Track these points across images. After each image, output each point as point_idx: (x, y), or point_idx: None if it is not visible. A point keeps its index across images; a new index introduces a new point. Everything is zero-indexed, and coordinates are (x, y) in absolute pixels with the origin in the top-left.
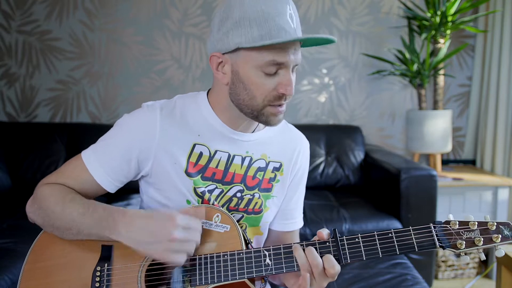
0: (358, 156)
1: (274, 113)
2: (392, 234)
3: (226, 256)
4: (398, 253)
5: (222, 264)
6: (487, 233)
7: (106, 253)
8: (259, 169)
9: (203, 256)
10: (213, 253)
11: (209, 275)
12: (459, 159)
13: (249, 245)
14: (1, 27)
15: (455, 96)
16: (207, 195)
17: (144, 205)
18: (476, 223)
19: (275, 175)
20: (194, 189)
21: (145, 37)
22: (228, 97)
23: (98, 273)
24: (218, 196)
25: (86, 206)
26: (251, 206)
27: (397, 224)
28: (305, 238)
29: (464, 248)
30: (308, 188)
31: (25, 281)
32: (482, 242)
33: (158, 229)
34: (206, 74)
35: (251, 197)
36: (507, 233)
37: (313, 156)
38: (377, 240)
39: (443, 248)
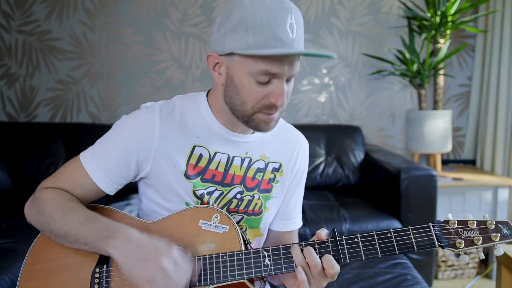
0: (358, 156)
1: (264, 120)
2: (391, 234)
3: (225, 257)
4: (397, 252)
5: (221, 265)
6: (486, 232)
7: (105, 255)
8: (259, 170)
9: (202, 257)
10: (212, 254)
11: (208, 276)
12: (459, 159)
13: (248, 245)
14: (1, 27)
15: (455, 96)
16: (206, 198)
17: (143, 206)
18: (475, 222)
19: (275, 176)
20: (193, 191)
21: (145, 37)
22: (223, 98)
23: (97, 275)
24: (217, 198)
25: (87, 217)
26: (251, 207)
27: (397, 224)
28: (305, 238)
29: (463, 247)
30: (308, 188)
31: (23, 283)
32: (481, 241)
33: (143, 263)
34: (206, 74)
35: (251, 198)
36: (506, 232)
37: (313, 156)
38: (376, 240)
39: (442, 247)
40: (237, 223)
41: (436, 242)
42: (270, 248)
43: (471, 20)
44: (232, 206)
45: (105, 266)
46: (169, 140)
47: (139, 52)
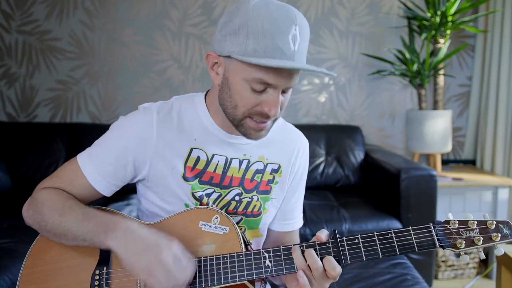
0: (358, 156)
1: (253, 127)
2: (392, 234)
3: (226, 259)
4: (398, 253)
5: (222, 266)
6: (487, 232)
7: (105, 256)
8: (257, 171)
9: (202, 258)
10: (213, 256)
11: (209, 278)
12: (459, 159)
13: (249, 246)
14: (1, 27)
15: (455, 96)
16: (205, 199)
17: (142, 207)
18: (476, 222)
19: (274, 177)
20: (192, 193)
21: (145, 37)
22: (218, 98)
23: (97, 277)
24: (216, 199)
25: (85, 213)
26: (249, 209)
27: (397, 224)
28: (305, 238)
29: (464, 248)
30: (308, 188)
31: (23, 286)
32: (481, 241)
33: (144, 256)
34: (206, 74)
35: (250, 200)
36: (506, 231)
37: (313, 156)
38: (377, 240)
39: (443, 248)
40: (236, 224)
41: (437, 243)
42: (271, 249)
43: (471, 20)
44: (231, 207)
45: (105, 268)
46: (166, 142)
47: (139, 52)
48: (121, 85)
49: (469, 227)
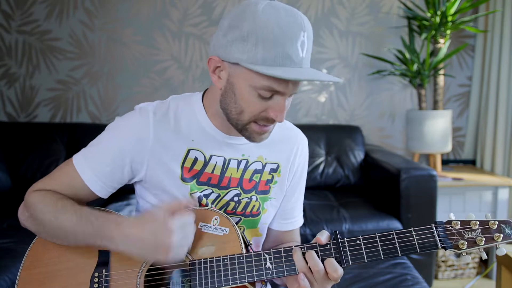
0: (358, 156)
1: (258, 131)
2: (393, 235)
3: (226, 260)
4: (400, 254)
5: (222, 268)
6: (489, 232)
7: (104, 258)
8: (256, 171)
9: (202, 260)
10: (213, 257)
11: (209, 280)
12: (459, 159)
13: (249, 247)
14: (1, 27)
15: (455, 96)
16: (204, 200)
17: (140, 208)
18: (478, 222)
19: (273, 177)
20: (190, 194)
21: (145, 37)
22: (219, 102)
23: (96, 279)
24: (214, 200)
25: (79, 214)
26: (248, 209)
27: (397, 224)
28: (305, 238)
29: (465, 248)
30: (308, 188)
31: None
32: (484, 242)
33: (156, 240)
34: (206, 74)
35: (249, 200)
36: (509, 231)
37: (313, 156)
38: (378, 241)
39: (445, 249)
40: (235, 224)
41: (439, 244)
42: (272, 251)
43: (471, 20)
44: (230, 208)
45: (104, 270)
46: (163, 143)
47: (139, 52)
48: (121, 85)
49: (471, 227)
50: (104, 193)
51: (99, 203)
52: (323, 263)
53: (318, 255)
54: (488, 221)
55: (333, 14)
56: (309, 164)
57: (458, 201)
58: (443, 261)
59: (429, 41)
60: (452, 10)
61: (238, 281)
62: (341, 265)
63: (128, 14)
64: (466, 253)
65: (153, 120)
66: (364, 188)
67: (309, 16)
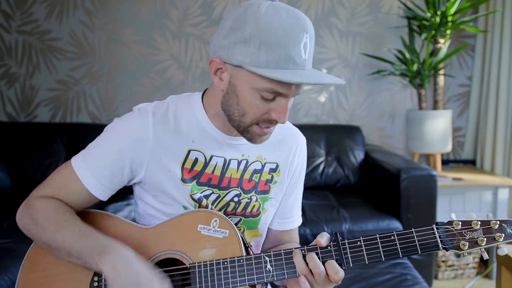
0: (358, 156)
1: (259, 133)
2: (394, 236)
3: (226, 263)
4: (401, 256)
5: (222, 271)
6: (490, 232)
7: None
8: (255, 171)
9: (202, 263)
10: (213, 260)
11: (209, 283)
12: (459, 159)
13: (249, 249)
14: (1, 27)
15: (455, 96)
16: (204, 201)
17: (139, 209)
18: (479, 222)
19: (272, 177)
20: (190, 195)
21: (145, 37)
22: (220, 103)
23: (95, 284)
24: (214, 201)
25: (80, 232)
26: (248, 210)
27: (397, 224)
28: (305, 238)
29: (467, 249)
30: (308, 188)
31: None
32: (485, 242)
33: (144, 279)
34: (206, 74)
35: (249, 200)
36: (510, 231)
37: (313, 156)
38: (379, 243)
39: (446, 249)
40: (235, 225)
41: (440, 245)
42: (272, 253)
43: (471, 20)
44: (230, 209)
45: (103, 275)
46: (163, 144)
47: (139, 52)
48: (121, 85)
49: (472, 227)
50: (104, 196)
51: (99, 205)
52: (323, 265)
53: (318, 257)
54: (490, 221)
55: (333, 14)
56: (309, 164)
57: (458, 201)
58: (443, 261)
59: (429, 41)
60: (452, 10)
61: (238, 284)
62: (342, 267)
63: (128, 14)
64: (467, 253)
65: (153, 121)
66: (364, 188)
67: (309, 16)
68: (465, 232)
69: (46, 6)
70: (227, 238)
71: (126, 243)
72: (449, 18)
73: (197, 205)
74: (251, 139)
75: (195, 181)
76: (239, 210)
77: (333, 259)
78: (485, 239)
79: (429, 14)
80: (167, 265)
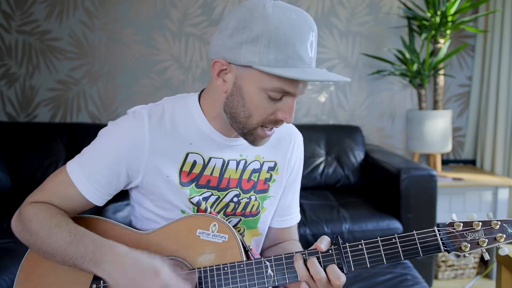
0: (358, 156)
1: (262, 135)
2: (396, 239)
3: (226, 268)
4: (402, 259)
5: (222, 276)
6: (491, 232)
7: None
8: (254, 170)
9: (202, 269)
10: (213, 265)
11: None
12: (459, 159)
13: (249, 252)
14: (1, 27)
15: (455, 96)
16: (203, 205)
17: (136, 213)
18: (480, 223)
19: (271, 175)
20: (189, 199)
21: (145, 37)
22: (222, 105)
23: None
24: (214, 203)
25: (73, 234)
26: (248, 209)
27: (397, 224)
28: (305, 238)
29: (468, 250)
30: (308, 188)
31: None
32: (486, 243)
33: (140, 281)
34: (206, 74)
35: (248, 200)
36: (511, 231)
37: (313, 156)
38: (381, 246)
39: (448, 252)
40: (235, 225)
41: (442, 247)
42: (272, 257)
43: (471, 20)
44: (229, 209)
45: (102, 282)
46: (160, 148)
47: (139, 52)
48: (121, 85)
49: (474, 228)
50: (100, 202)
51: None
52: (325, 270)
53: (319, 262)
54: (491, 221)
55: (333, 14)
56: (309, 164)
57: (458, 201)
58: (443, 261)
59: (429, 41)
60: (452, 10)
61: None
62: (343, 271)
63: (128, 14)
64: (468, 254)
65: (148, 124)
66: (364, 188)
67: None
68: (466, 233)
69: (46, 6)
70: (227, 242)
71: None
72: (449, 18)
73: (196, 208)
74: (254, 141)
75: (193, 183)
76: (238, 210)
77: (334, 263)
78: (487, 240)
79: (429, 14)
80: None
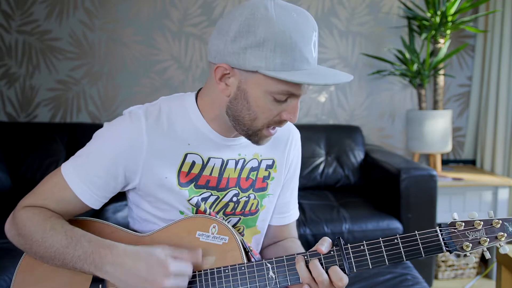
0: (358, 156)
1: (266, 135)
2: (397, 239)
3: (227, 271)
4: (404, 259)
5: (223, 279)
6: (493, 232)
7: None
8: (252, 169)
9: (202, 271)
10: (214, 268)
11: None
12: (459, 159)
13: (249, 253)
14: (1, 27)
15: (455, 96)
16: (202, 206)
17: (134, 215)
18: (482, 222)
19: (269, 173)
20: (188, 200)
21: (145, 37)
22: (223, 108)
23: None
24: (213, 203)
25: (69, 236)
26: (247, 208)
27: (397, 224)
28: (305, 238)
29: (470, 250)
30: (308, 188)
31: None
32: (488, 242)
33: (149, 276)
34: (206, 74)
35: (247, 199)
36: None
37: (313, 156)
38: (383, 247)
39: (450, 252)
40: (234, 225)
41: (444, 248)
42: (274, 259)
43: (471, 20)
44: (229, 209)
45: (100, 285)
46: (158, 149)
47: (139, 52)
48: (121, 85)
49: (475, 227)
50: (97, 205)
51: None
52: (327, 272)
53: (321, 263)
54: (492, 220)
55: (333, 14)
56: (309, 164)
57: (458, 201)
58: (443, 261)
59: (429, 41)
60: (452, 10)
61: None
62: (345, 273)
63: (128, 14)
64: (470, 254)
65: (146, 125)
66: (364, 188)
67: None
68: (467, 233)
69: (46, 6)
70: (227, 244)
71: None
72: (449, 18)
73: (195, 209)
74: (258, 141)
75: (192, 184)
76: (238, 209)
77: (336, 264)
78: (488, 239)
79: (429, 14)
80: None
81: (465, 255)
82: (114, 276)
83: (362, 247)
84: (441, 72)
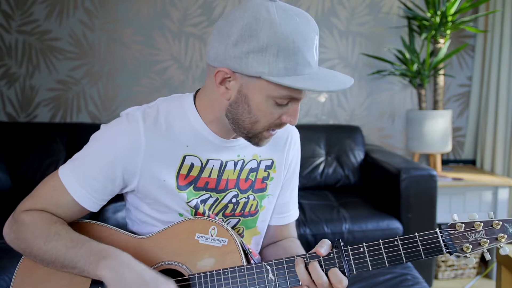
0: (358, 156)
1: (267, 137)
2: (397, 241)
3: (227, 273)
4: (405, 261)
5: (223, 282)
6: (493, 233)
7: None
8: (251, 170)
9: (202, 274)
10: (213, 270)
11: None
12: (459, 159)
13: (249, 255)
14: (1, 27)
15: (455, 96)
16: (201, 208)
17: (132, 216)
18: (482, 224)
19: (268, 174)
20: (187, 203)
21: (145, 37)
22: (223, 111)
23: None
24: (212, 205)
25: (75, 240)
26: (247, 209)
27: (397, 224)
28: (305, 238)
29: (470, 251)
30: (308, 188)
31: None
32: (488, 243)
33: (148, 280)
34: (206, 74)
35: (246, 200)
36: None
37: (313, 156)
38: (382, 248)
39: (450, 253)
40: (234, 226)
41: (444, 249)
42: (273, 261)
43: (471, 20)
44: (228, 211)
45: (100, 287)
46: (156, 152)
47: (139, 52)
48: (121, 85)
49: (475, 229)
50: (95, 207)
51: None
52: (326, 274)
53: (321, 265)
54: (492, 221)
55: (333, 14)
56: (309, 164)
57: (458, 201)
58: (443, 261)
59: (429, 41)
60: (452, 10)
61: None
62: (345, 275)
63: (128, 14)
64: (470, 255)
65: (143, 127)
66: (364, 188)
67: None
68: (468, 234)
69: (46, 6)
70: (226, 246)
71: None
72: (449, 18)
73: (194, 211)
74: (258, 143)
75: (191, 186)
76: (237, 211)
77: (336, 266)
78: (488, 240)
79: (429, 14)
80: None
81: (465, 256)
82: (111, 278)
83: (361, 249)
84: (441, 72)
